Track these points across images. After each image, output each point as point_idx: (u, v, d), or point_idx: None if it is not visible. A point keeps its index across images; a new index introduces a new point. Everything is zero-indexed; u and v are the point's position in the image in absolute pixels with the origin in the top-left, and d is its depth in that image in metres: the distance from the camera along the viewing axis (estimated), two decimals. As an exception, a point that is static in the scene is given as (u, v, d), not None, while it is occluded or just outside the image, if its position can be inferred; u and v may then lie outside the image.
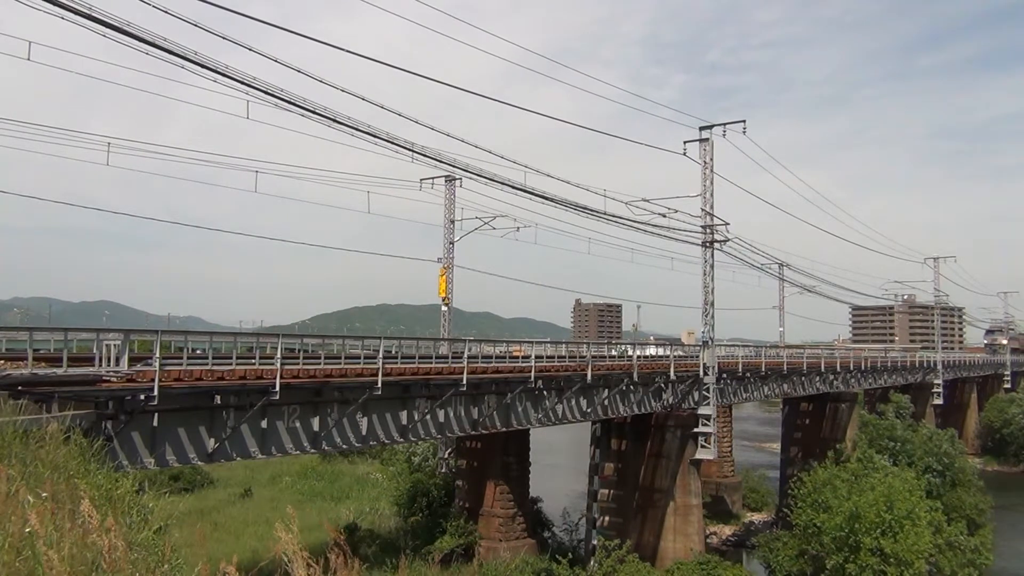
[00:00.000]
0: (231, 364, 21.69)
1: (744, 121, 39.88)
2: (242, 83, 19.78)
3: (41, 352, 20.24)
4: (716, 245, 40.17)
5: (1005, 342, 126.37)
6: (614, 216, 36.54)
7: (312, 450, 26.21)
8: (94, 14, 16.29)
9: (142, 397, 19.07)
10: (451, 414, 29.76)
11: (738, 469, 69.40)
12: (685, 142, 40.20)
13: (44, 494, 6.84)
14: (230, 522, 46.44)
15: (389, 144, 25.38)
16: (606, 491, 42.04)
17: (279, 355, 22.11)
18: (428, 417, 28.65)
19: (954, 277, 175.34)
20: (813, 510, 40.19)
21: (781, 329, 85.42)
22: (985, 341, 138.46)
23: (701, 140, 39.98)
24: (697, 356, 41.05)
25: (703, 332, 40.32)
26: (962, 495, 51.28)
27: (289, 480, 60.17)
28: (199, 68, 18.72)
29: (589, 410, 36.39)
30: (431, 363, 28.80)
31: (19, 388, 15.47)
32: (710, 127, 40.04)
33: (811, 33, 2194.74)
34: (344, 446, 27.24)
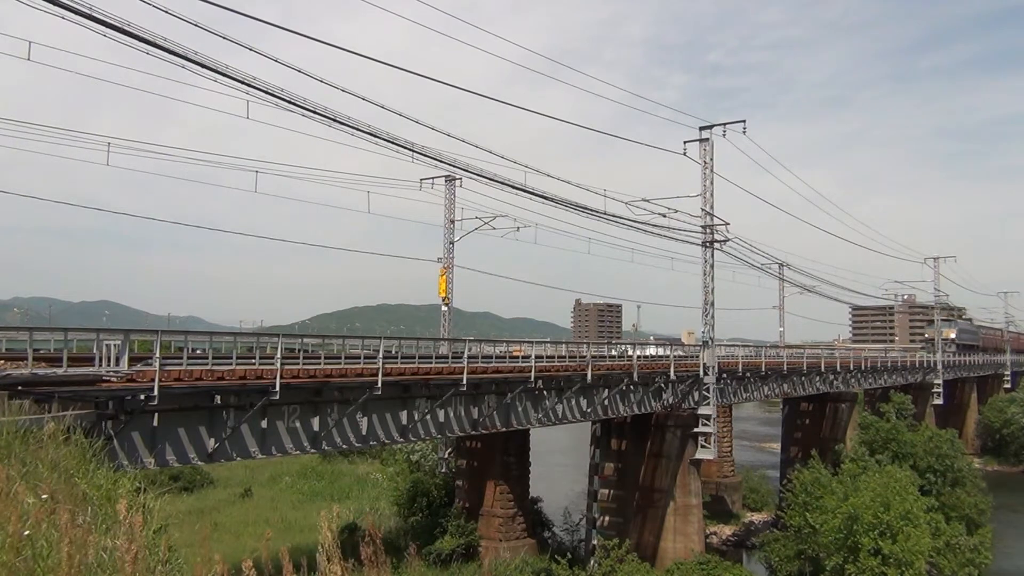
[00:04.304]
0: (231, 364, 21.70)
1: (744, 121, 39.97)
2: (242, 83, 19.80)
3: (41, 352, 20.23)
4: (716, 245, 40.18)
5: (953, 335, 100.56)
6: (614, 216, 36.58)
7: (312, 450, 26.23)
8: (94, 14, 16.30)
9: (142, 397, 19.08)
10: (451, 414, 29.76)
11: (738, 469, 69.39)
12: (685, 142, 40.23)
13: (44, 495, 6.84)
14: (230, 522, 46.53)
15: (389, 144, 25.38)
16: (606, 491, 42.05)
17: (279, 355, 22.11)
18: (428, 417, 28.66)
19: (954, 277, 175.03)
20: (808, 511, 40.19)
21: (781, 329, 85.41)
22: (926, 335, 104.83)
23: (701, 140, 39.99)
24: (697, 356, 41.06)
25: (703, 332, 40.33)
26: (961, 495, 51.27)
27: (289, 480, 60.22)
28: (199, 68, 18.74)
29: (589, 410, 36.39)
30: (431, 363, 28.79)
31: (19, 388, 15.47)
32: (710, 127, 40.05)
33: (812, 35, 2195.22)
34: (344, 446, 27.26)
